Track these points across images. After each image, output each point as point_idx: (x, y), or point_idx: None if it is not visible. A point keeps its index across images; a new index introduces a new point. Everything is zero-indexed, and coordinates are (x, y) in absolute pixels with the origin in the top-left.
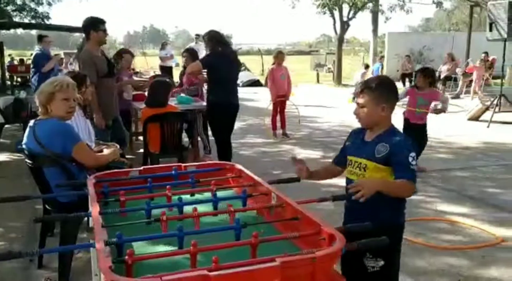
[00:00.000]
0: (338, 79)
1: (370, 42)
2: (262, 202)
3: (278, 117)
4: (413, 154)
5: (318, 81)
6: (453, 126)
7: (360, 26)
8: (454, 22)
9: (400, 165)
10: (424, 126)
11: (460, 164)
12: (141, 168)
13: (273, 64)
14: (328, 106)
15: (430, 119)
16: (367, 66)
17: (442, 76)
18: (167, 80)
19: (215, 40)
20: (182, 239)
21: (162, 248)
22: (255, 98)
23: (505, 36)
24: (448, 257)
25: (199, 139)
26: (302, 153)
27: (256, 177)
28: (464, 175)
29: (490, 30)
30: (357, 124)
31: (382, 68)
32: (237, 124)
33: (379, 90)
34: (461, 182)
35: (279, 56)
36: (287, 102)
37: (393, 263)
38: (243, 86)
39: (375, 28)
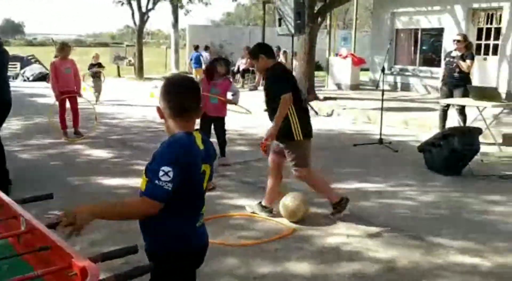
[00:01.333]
0: (139, 72)
1: (171, 34)
2: (12, 228)
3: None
4: (166, 168)
5: (119, 74)
6: (252, 117)
7: (166, 18)
8: (252, 17)
9: (149, 178)
10: (223, 119)
11: (257, 155)
12: None
13: (56, 57)
14: (129, 101)
15: (230, 112)
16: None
17: (241, 69)
18: None
19: None
20: None
21: None
22: (47, 93)
23: (292, 31)
24: (243, 255)
25: None
26: (95, 153)
27: (3, 196)
28: (260, 167)
29: (280, 25)
30: (158, 120)
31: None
32: (22, 123)
33: (161, 90)
34: (258, 174)
35: (64, 48)
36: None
37: None
38: (33, 80)
39: (176, 20)
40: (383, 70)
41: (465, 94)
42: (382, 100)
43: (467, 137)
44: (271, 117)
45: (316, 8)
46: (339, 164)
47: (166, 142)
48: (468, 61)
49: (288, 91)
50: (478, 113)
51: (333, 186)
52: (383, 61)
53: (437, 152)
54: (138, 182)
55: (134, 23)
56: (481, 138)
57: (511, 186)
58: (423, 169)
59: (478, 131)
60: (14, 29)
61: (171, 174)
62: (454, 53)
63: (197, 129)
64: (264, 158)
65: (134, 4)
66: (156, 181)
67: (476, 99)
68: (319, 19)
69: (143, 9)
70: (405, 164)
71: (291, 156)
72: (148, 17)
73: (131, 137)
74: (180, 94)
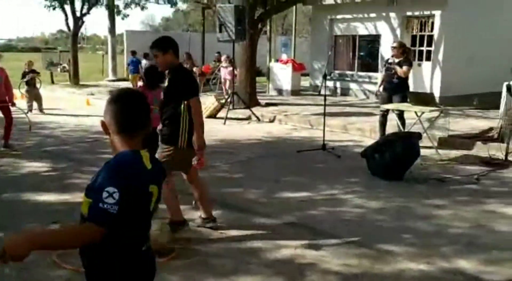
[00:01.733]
0: (75, 79)
1: (108, 39)
2: None
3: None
4: (111, 189)
5: (52, 81)
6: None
7: (102, 23)
8: (191, 23)
9: (92, 200)
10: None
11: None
12: None
13: None
14: (64, 109)
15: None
16: (133, 53)
17: None
18: None
19: None
20: None
21: None
22: None
23: (233, 37)
24: (189, 271)
25: None
26: (27, 166)
27: None
28: (205, 176)
29: (220, 31)
30: (94, 129)
31: (139, 63)
32: None
33: (106, 103)
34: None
35: None
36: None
37: None
38: None
39: (112, 25)
40: (324, 76)
41: (403, 99)
42: (325, 105)
43: (408, 142)
44: (166, 120)
45: (256, 15)
46: (284, 172)
47: (111, 160)
48: (404, 67)
49: (198, 95)
50: (415, 117)
51: (278, 195)
52: (324, 67)
53: (380, 158)
54: (76, 197)
55: (68, 28)
56: (419, 142)
57: (450, 190)
58: (366, 174)
59: (418, 135)
60: None
61: (116, 195)
62: (391, 60)
63: (145, 147)
64: (207, 167)
65: (68, 8)
66: (100, 204)
67: (414, 104)
68: (260, 25)
69: (78, 14)
70: (348, 170)
71: (160, 158)
72: (83, 22)
73: (66, 148)
74: (127, 109)
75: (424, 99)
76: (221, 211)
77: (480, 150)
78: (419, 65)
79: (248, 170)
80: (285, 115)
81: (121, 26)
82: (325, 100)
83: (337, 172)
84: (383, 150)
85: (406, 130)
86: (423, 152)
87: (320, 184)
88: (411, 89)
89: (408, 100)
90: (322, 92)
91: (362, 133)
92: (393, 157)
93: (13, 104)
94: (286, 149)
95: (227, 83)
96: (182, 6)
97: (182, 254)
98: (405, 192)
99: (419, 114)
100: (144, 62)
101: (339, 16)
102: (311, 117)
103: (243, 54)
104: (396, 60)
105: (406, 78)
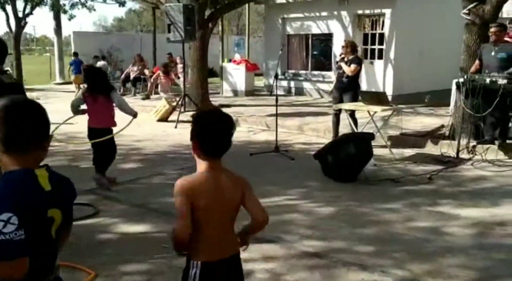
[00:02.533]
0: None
1: (55, 40)
2: None
3: None
4: (4, 216)
5: None
6: (144, 129)
7: (53, 24)
8: (145, 23)
9: None
10: (108, 130)
11: (148, 171)
12: None
13: None
14: None
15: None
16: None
17: (132, 77)
18: None
19: None
20: None
21: None
22: None
23: (183, 37)
24: None
25: None
26: None
27: None
28: (152, 184)
29: (169, 31)
30: None
31: (82, 63)
32: None
33: None
34: (148, 193)
35: None
36: None
37: None
38: None
39: (58, 25)
40: (276, 76)
41: (354, 98)
42: (277, 106)
43: (361, 143)
44: None
45: (206, 14)
46: None
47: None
48: (352, 66)
49: None
50: (368, 116)
51: None
52: (276, 67)
53: (333, 159)
54: None
55: (10, 29)
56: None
57: (403, 191)
58: (320, 176)
59: (371, 136)
60: None
61: (14, 220)
62: (339, 58)
63: (45, 165)
64: (156, 174)
65: (9, 8)
66: (2, 237)
67: (366, 103)
68: (210, 25)
69: (20, 14)
70: (302, 172)
71: None
72: (26, 22)
73: None
74: (15, 124)
75: (377, 97)
76: (165, 223)
77: (432, 148)
78: (371, 63)
79: None
80: (239, 116)
81: (73, 27)
82: (276, 100)
83: (290, 176)
84: (336, 151)
85: (359, 129)
86: (376, 151)
87: (272, 188)
88: (364, 87)
89: (360, 98)
90: (275, 92)
91: (317, 133)
92: (346, 158)
93: None
94: (239, 152)
95: (159, 86)
96: (134, 6)
97: (123, 273)
98: (358, 195)
99: (371, 113)
100: (102, 63)
101: (291, 15)
102: (265, 118)
103: (194, 54)
104: (346, 59)
105: (356, 77)
